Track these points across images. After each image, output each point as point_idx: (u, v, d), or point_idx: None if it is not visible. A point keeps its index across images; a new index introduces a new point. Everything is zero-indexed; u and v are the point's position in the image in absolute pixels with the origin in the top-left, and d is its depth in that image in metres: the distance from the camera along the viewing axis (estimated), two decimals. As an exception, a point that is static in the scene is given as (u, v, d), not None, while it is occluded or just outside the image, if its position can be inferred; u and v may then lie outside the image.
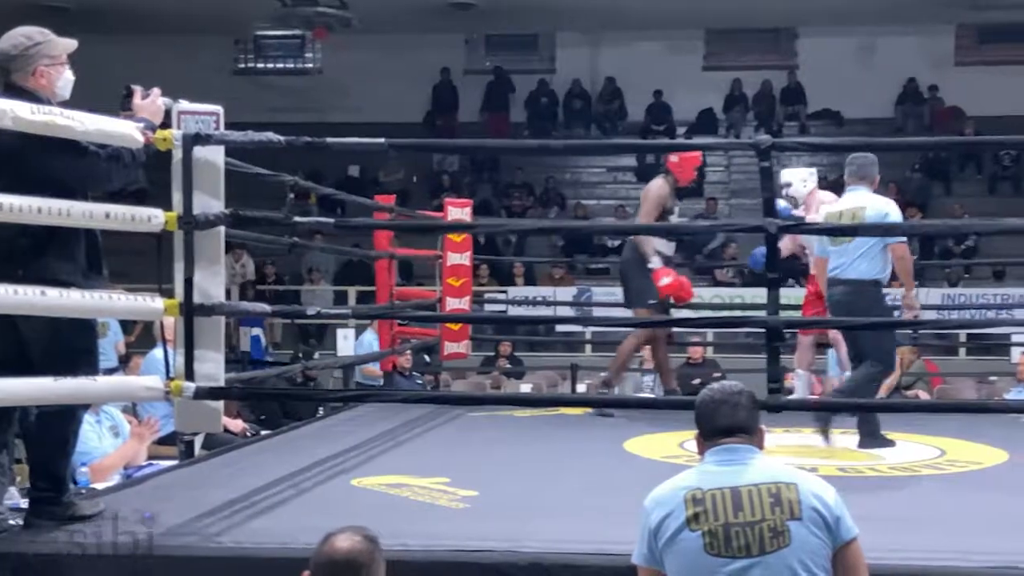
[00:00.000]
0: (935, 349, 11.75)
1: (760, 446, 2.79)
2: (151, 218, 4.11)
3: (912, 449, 5.90)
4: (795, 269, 7.23)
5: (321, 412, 7.57)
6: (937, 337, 11.87)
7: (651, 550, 2.70)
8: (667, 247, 7.00)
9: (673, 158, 7.04)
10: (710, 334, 11.82)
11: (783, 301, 4.64)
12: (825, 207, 6.30)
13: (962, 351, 12.74)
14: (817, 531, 2.62)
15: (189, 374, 4.17)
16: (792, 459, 4.96)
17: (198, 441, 6.14)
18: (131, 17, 16.31)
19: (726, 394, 2.81)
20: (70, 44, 3.93)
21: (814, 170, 6.98)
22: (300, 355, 11.11)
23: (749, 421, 2.79)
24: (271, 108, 16.73)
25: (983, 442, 5.98)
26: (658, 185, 7.00)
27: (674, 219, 7.07)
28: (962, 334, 12.59)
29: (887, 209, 5.74)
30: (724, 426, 2.76)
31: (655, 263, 6.84)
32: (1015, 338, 9.43)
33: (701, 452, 2.81)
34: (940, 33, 17.41)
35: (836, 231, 5.69)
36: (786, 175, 6.91)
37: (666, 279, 6.82)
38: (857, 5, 16.04)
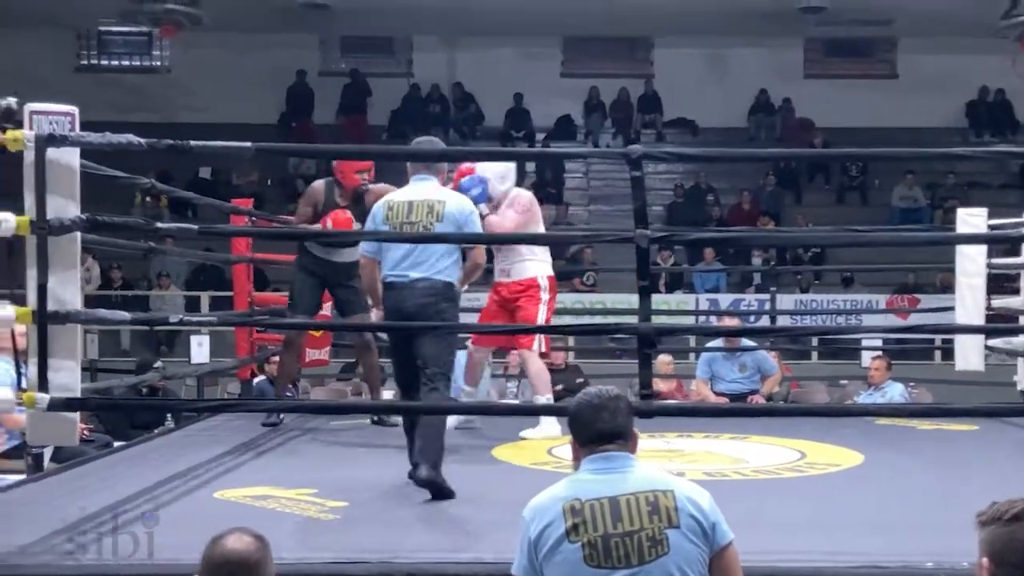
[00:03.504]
0: (790, 353, 12.03)
1: (634, 451, 2.77)
2: (1, 222, 3.93)
3: (773, 452, 6.03)
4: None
5: (170, 422, 7.33)
6: (791, 341, 12.16)
7: (531, 561, 2.66)
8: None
9: (334, 164, 6.68)
10: (571, 339, 11.87)
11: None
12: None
13: (814, 355, 13.07)
14: (694, 538, 2.62)
15: (43, 385, 4.00)
16: (659, 464, 5.01)
17: (47, 453, 5.88)
18: (-40, 7, 15.58)
19: (604, 399, 2.77)
20: None
21: (510, 166, 6.29)
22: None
23: (627, 426, 2.77)
24: (115, 107, 16.11)
25: (839, 444, 6.14)
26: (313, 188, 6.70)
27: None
28: (814, 339, 12.92)
29: (471, 208, 5.09)
30: (605, 432, 2.73)
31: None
32: (864, 343, 9.71)
33: (577, 459, 2.77)
34: (789, 47, 17.89)
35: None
36: (484, 169, 6.24)
37: None
38: (709, 17, 16.31)
